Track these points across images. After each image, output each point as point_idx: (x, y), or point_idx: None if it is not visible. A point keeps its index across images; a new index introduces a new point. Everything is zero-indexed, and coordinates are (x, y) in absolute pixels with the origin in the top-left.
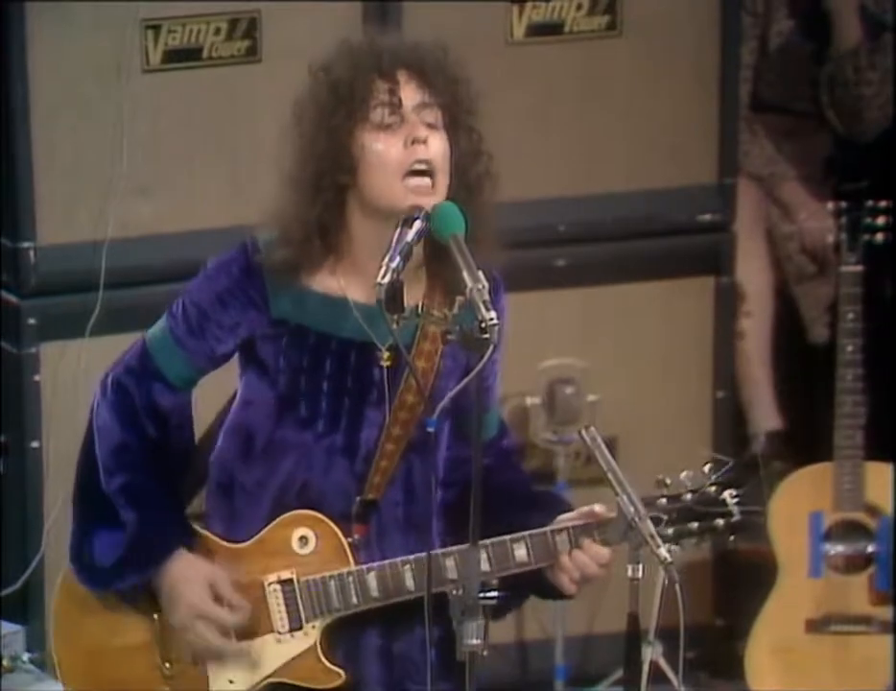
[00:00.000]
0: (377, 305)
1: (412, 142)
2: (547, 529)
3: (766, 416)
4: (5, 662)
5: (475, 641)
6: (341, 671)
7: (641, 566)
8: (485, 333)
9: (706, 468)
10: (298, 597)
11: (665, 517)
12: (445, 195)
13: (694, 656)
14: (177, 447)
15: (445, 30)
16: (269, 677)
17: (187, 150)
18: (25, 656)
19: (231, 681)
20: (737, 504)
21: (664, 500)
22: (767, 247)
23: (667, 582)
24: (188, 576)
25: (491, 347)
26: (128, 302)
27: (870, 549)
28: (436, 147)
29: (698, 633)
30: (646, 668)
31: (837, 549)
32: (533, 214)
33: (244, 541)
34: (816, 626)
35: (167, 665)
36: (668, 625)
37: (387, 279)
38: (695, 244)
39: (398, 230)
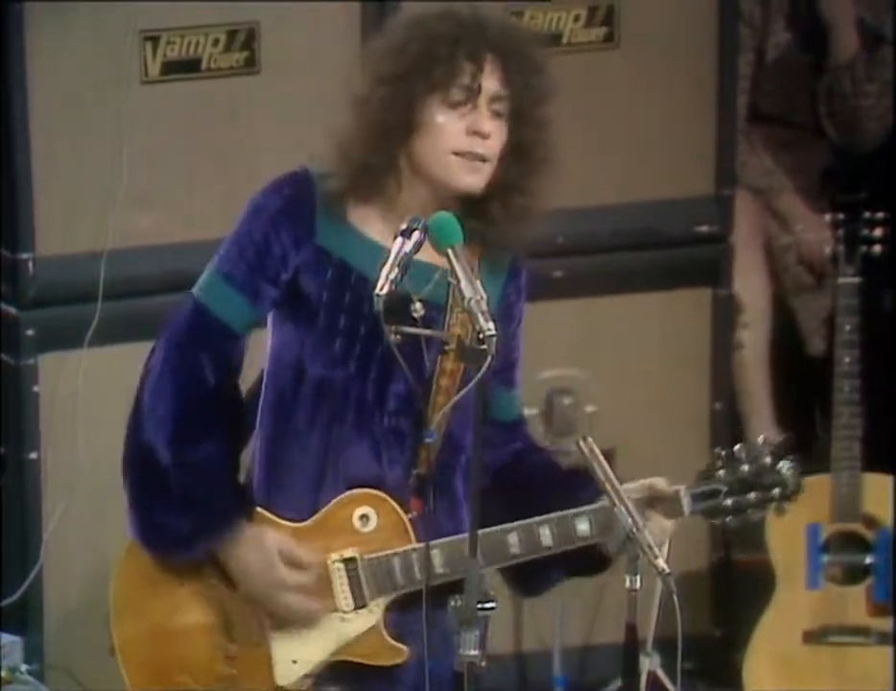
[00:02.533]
0: (378, 316)
1: (475, 133)
2: (607, 503)
3: (763, 428)
4: (3, 673)
5: (473, 652)
6: (403, 647)
7: (639, 577)
8: (484, 344)
9: (760, 440)
10: (361, 575)
11: (724, 489)
12: (489, 177)
13: (692, 667)
14: (234, 398)
15: None
16: (332, 655)
17: (186, 161)
18: (23, 668)
19: (295, 661)
20: (792, 473)
21: (721, 472)
22: (765, 258)
23: (665, 592)
24: (256, 548)
25: (489, 358)
26: (126, 313)
27: (868, 560)
28: (496, 139)
29: (696, 644)
30: (644, 679)
31: (834, 560)
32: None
33: (303, 519)
34: (814, 637)
35: (231, 646)
36: (666, 635)
37: (385, 290)
38: (692, 255)
39: (397, 241)
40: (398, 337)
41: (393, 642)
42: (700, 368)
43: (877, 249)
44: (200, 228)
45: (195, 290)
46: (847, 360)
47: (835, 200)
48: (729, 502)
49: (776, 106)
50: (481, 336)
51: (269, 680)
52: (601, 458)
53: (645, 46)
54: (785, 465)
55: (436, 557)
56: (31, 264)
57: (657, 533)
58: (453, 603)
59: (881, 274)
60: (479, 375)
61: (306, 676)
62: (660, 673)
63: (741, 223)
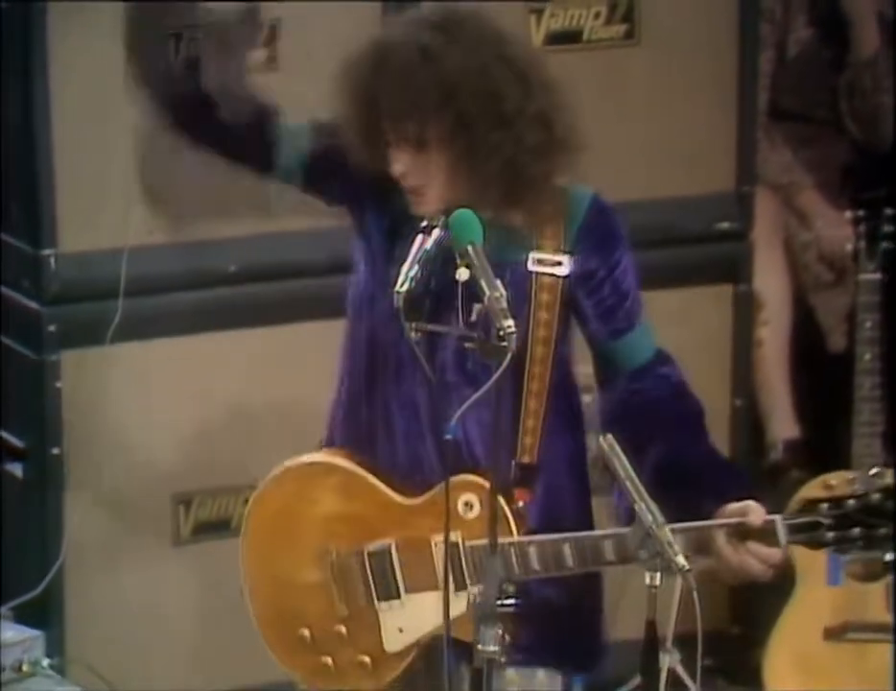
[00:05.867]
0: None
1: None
2: (707, 523)
3: (784, 425)
4: (25, 667)
5: (493, 648)
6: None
7: (659, 574)
8: (504, 341)
9: (872, 473)
10: (463, 561)
11: (826, 522)
12: (441, 202)
13: (711, 664)
14: None
15: None
16: (437, 628)
17: (208, 157)
18: (45, 662)
19: (401, 630)
20: None
21: (825, 505)
22: (785, 255)
23: (684, 589)
24: None
25: (509, 356)
26: (148, 310)
27: (888, 557)
28: (417, 168)
29: (716, 641)
30: (663, 675)
31: (855, 557)
32: None
33: (414, 496)
34: (834, 633)
35: (342, 606)
36: (685, 632)
37: (405, 287)
38: (713, 252)
39: (417, 239)
40: (418, 334)
41: None
42: (721, 364)
43: None
44: (222, 225)
45: None
46: (868, 357)
47: (855, 196)
48: (830, 535)
49: (797, 102)
50: (501, 333)
51: (377, 645)
52: (622, 455)
53: (665, 43)
54: (893, 503)
55: (532, 554)
56: (53, 260)
57: (759, 558)
58: (472, 598)
59: None
60: (499, 372)
61: (412, 644)
62: (679, 669)
63: (761, 219)
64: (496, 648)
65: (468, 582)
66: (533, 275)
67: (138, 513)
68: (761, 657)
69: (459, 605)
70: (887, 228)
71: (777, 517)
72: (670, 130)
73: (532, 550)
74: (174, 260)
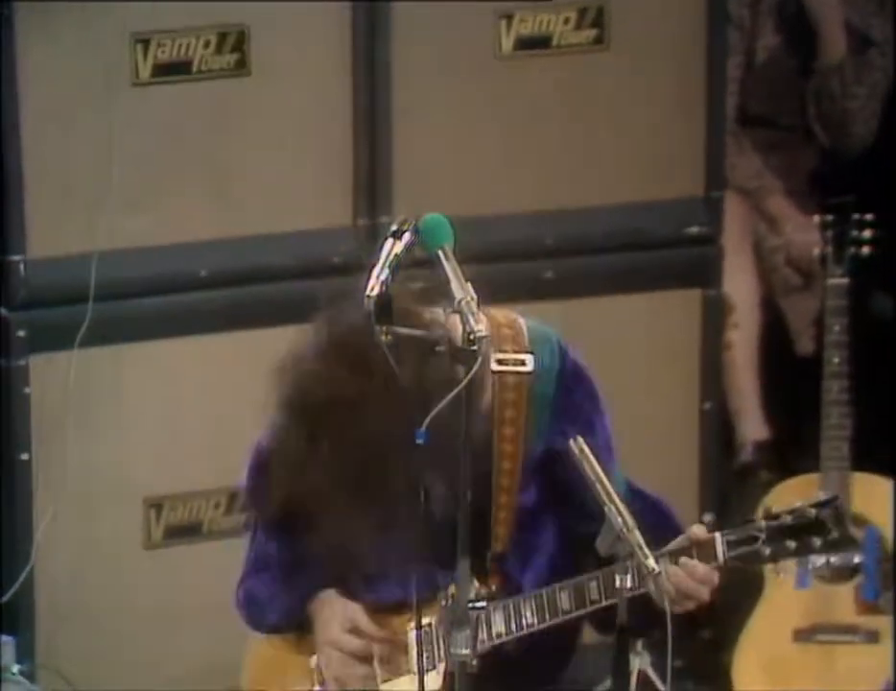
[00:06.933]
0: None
1: None
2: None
3: (752, 427)
4: None
5: (464, 651)
6: None
7: (629, 577)
8: (474, 345)
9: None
10: (434, 641)
11: (762, 536)
12: None
13: (681, 666)
14: None
15: (434, 45)
16: None
17: (176, 163)
18: (15, 668)
19: None
20: (833, 520)
21: (762, 521)
22: (754, 259)
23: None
24: (327, 614)
25: (479, 359)
26: (117, 314)
27: (856, 559)
28: None
29: (686, 643)
30: (634, 678)
31: (823, 559)
32: (521, 227)
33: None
34: (803, 635)
35: None
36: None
37: (376, 291)
38: (682, 256)
39: (388, 243)
40: (389, 337)
41: None
42: (690, 368)
43: (865, 250)
44: (189, 230)
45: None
46: (836, 360)
47: (824, 201)
48: (767, 550)
49: (765, 108)
50: (471, 337)
51: None
52: (592, 457)
53: (635, 48)
54: (829, 516)
55: (497, 617)
56: (22, 266)
57: (689, 575)
58: (444, 602)
59: (869, 275)
60: (468, 377)
61: None
62: (650, 672)
63: (730, 224)
64: (468, 651)
65: (437, 660)
66: (495, 375)
67: (109, 518)
68: (730, 659)
69: (431, 683)
70: (855, 233)
71: (717, 534)
72: (639, 134)
73: (498, 614)
74: (142, 265)
